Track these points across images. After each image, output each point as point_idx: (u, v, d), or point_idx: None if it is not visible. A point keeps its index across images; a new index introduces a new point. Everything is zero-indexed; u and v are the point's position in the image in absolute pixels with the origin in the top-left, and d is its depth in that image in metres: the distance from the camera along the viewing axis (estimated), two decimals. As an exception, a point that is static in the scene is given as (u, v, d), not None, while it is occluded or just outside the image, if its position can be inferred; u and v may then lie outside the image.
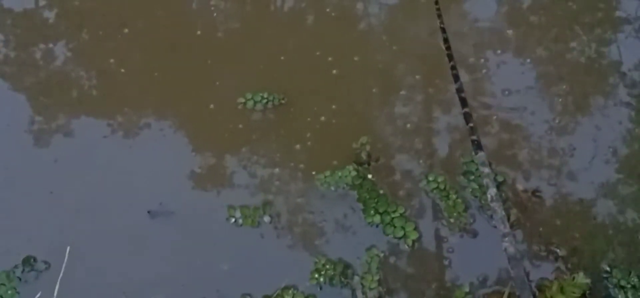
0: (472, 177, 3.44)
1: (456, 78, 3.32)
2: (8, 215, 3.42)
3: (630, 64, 3.91)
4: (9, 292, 3.10)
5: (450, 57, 3.37)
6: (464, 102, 3.24)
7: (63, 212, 3.41)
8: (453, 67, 3.32)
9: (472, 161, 3.43)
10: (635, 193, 3.41)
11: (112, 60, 4.02)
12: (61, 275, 3.09)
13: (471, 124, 3.17)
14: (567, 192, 3.44)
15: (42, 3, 4.30)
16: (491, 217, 3.20)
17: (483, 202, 3.33)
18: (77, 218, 3.39)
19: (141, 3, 4.29)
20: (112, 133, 3.74)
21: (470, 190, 3.41)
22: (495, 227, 3.09)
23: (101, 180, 3.53)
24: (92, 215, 3.40)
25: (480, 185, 3.36)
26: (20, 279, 3.18)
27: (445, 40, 3.46)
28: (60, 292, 3.06)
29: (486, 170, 3.07)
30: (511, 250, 2.83)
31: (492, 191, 2.98)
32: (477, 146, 3.13)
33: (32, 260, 3.22)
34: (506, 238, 2.87)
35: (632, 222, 3.32)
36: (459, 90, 3.29)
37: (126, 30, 4.13)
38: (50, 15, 4.25)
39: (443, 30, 3.49)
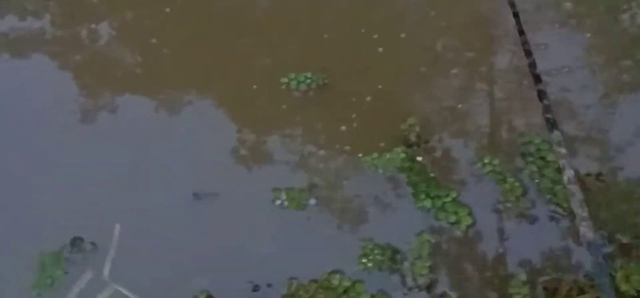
0: (531, 159, 3.25)
1: (528, 53, 3.11)
2: (54, 196, 3.42)
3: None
4: (58, 272, 3.12)
5: (521, 32, 3.15)
6: (537, 79, 3.03)
7: (108, 193, 3.40)
8: (524, 42, 3.11)
9: (531, 141, 3.24)
10: None
11: (154, 40, 3.98)
12: (113, 254, 3.08)
13: (546, 102, 2.96)
14: (632, 176, 3.22)
15: (85, -17, 4.30)
16: (566, 200, 2.95)
17: (542, 185, 3.14)
18: (122, 199, 3.37)
19: (183, -18, 4.24)
20: (156, 111, 3.71)
21: (529, 173, 3.23)
22: (571, 211, 2.88)
23: (145, 161, 3.50)
24: (136, 196, 3.37)
25: (540, 168, 3.17)
26: (67, 260, 3.19)
27: (515, 15, 3.24)
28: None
29: (562, 150, 2.86)
30: (589, 235, 2.64)
31: (569, 172, 2.78)
32: (552, 125, 2.92)
33: (78, 241, 3.23)
34: (584, 223, 2.68)
35: None
36: (532, 66, 3.08)
37: (168, 10, 4.08)
38: (93, -5, 4.24)
39: (512, 4, 3.27)
